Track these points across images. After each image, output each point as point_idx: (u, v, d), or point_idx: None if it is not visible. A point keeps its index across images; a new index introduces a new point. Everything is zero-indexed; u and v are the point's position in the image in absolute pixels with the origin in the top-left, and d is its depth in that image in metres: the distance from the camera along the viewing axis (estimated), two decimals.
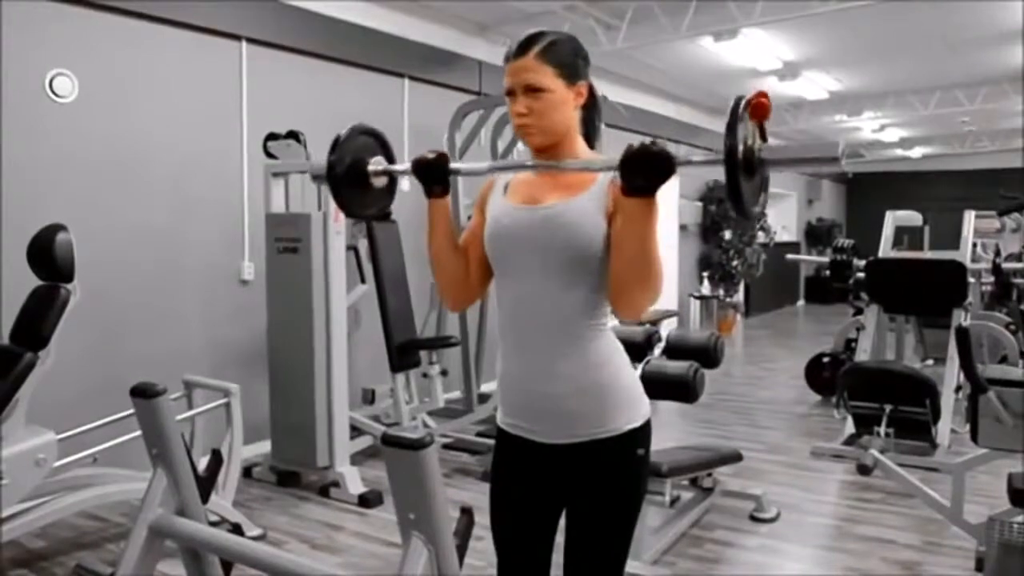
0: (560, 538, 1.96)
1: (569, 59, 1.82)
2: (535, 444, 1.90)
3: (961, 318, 5.59)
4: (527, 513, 1.98)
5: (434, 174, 1.90)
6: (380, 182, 2.11)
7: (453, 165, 1.92)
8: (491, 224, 1.91)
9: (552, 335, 1.82)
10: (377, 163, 2.10)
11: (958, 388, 5.46)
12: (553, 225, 1.78)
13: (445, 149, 6.46)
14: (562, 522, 1.97)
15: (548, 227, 1.79)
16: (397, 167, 2.10)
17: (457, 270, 1.98)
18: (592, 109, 1.92)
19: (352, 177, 2.06)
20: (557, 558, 2.00)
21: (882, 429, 4.99)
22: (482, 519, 1.99)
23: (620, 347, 1.90)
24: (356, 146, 2.10)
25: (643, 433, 1.88)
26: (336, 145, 2.06)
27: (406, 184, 6.58)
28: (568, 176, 1.85)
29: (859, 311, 7.04)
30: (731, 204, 1.60)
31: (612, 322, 1.91)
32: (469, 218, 6.18)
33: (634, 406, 1.87)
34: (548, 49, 1.80)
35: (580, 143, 1.89)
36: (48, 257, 3.33)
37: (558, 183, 1.85)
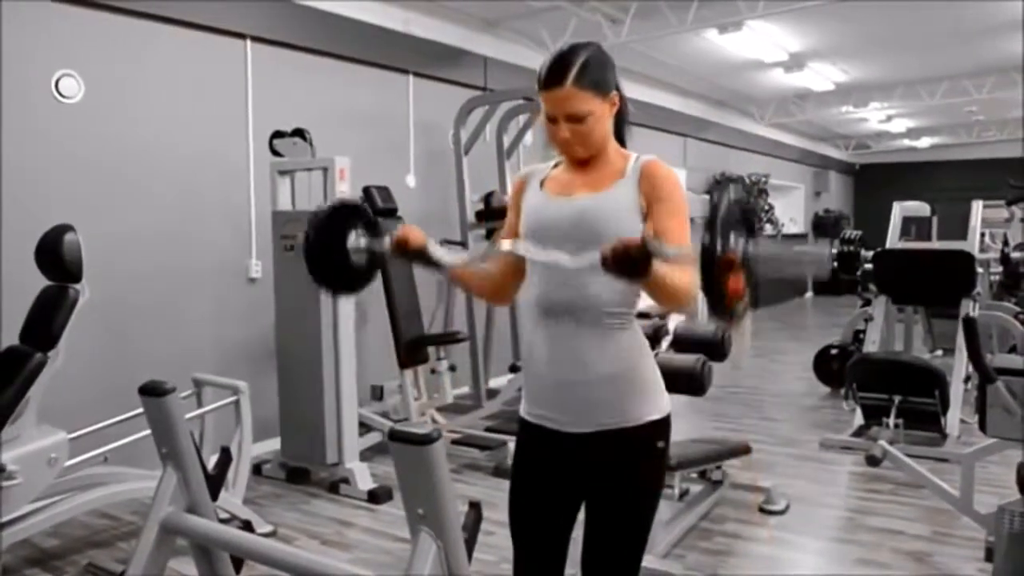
0: (577, 532, 1.98)
1: (602, 76, 1.85)
2: (558, 433, 1.92)
3: (970, 308, 5.58)
4: (547, 504, 2.01)
5: (415, 258, 1.98)
6: (361, 258, 2.12)
7: (431, 250, 1.96)
8: (527, 215, 1.96)
9: (580, 323, 1.85)
10: (358, 240, 2.10)
11: (967, 378, 5.45)
12: (585, 217, 1.84)
13: (451, 146, 6.49)
14: (579, 516, 1.99)
15: (580, 219, 1.84)
16: (375, 246, 2.10)
17: (492, 286, 2.10)
18: (622, 112, 1.96)
19: (330, 255, 2.07)
20: (573, 554, 2.01)
21: (891, 420, 4.98)
22: (491, 514, 2.00)
23: (645, 340, 1.94)
24: (336, 222, 2.10)
25: (664, 426, 1.91)
26: (314, 223, 2.08)
27: (412, 180, 6.61)
28: (600, 171, 1.90)
29: (867, 302, 7.02)
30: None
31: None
32: (476, 214, 6.17)
33: (656, 399, 1.91)
34: (582, 72, 1.81)
35: (613, 145, 1.94)
36: (56, 257, 3.35)
37: (591, 178, 1.91)
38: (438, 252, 1.96)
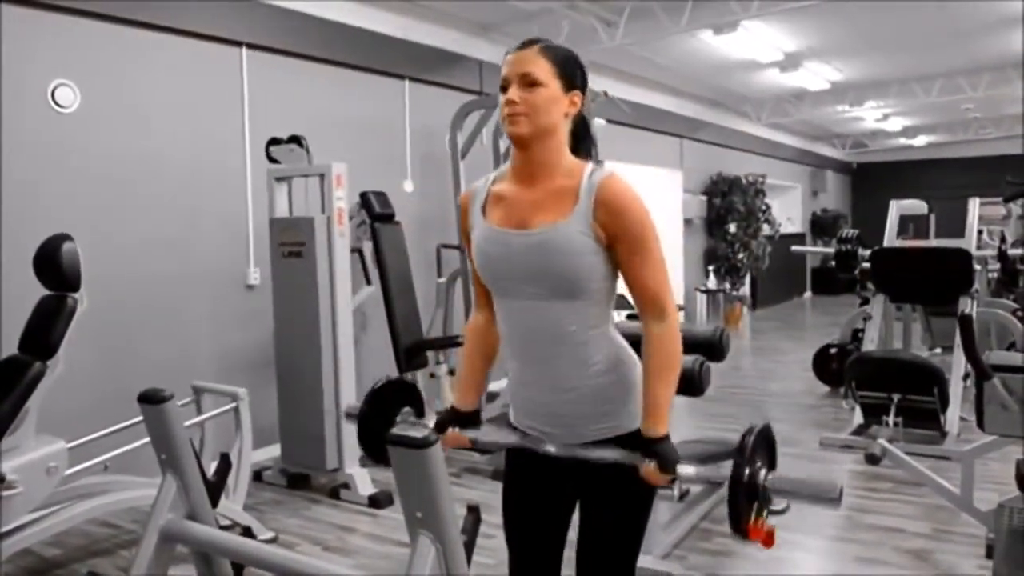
0: (572, 535, 1.98)
1: (569, 65, 1.82)
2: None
3: (968, 306, 5.57)
4: (540, 509, 2.01)
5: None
6: None
7: (471, 436, 2.03)
8: (478, 252, 1.89)
9: (554, 347, 1.83)
10: (406, 416, 2.13)
11: (966, 376, 5.44)
12: (543, 252, 1.77)
13: (447, 150, 6.45)
14: (574, 520, 1.99)
15: (538, 254, 1.77)
16: (425, 427, 2.09)
17: (497, 343, 2.08)
18: (584, 125, 1.90)
19: (380, 427, 2.06)
20: (569, 554, 2.01)
21: (890, 418, 4.96)
22: (490, 517, 2.00)
23: (625, 347, 1.90)
24: (386, 396, 2.13)
25: None
26: (369, 395, 2.11)
27: (409, 185, 6.61)
28: (548, 190, 1.81)
29: (866, 301, 7.03)
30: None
31: (618, 317, 1.92)
32: None
33: (641, 405, 1.87)
34: (550, 48, 1.81)
35: (566, 154, 1.84)
36: (54, 266, 3.35)
37: (539, 200, 1.81)
38: (485, 438, 2.05)
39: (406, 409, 2.12)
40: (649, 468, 1.74)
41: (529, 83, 1.77)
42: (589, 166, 1.81)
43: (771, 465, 1.73)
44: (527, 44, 1.81)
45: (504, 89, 1.80)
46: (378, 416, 2.08)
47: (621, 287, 1.87)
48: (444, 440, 1.99)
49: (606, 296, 1.83)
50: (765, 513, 1.68)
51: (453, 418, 2.05)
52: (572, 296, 1.78)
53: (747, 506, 1.65)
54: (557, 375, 1.84)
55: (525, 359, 1.89)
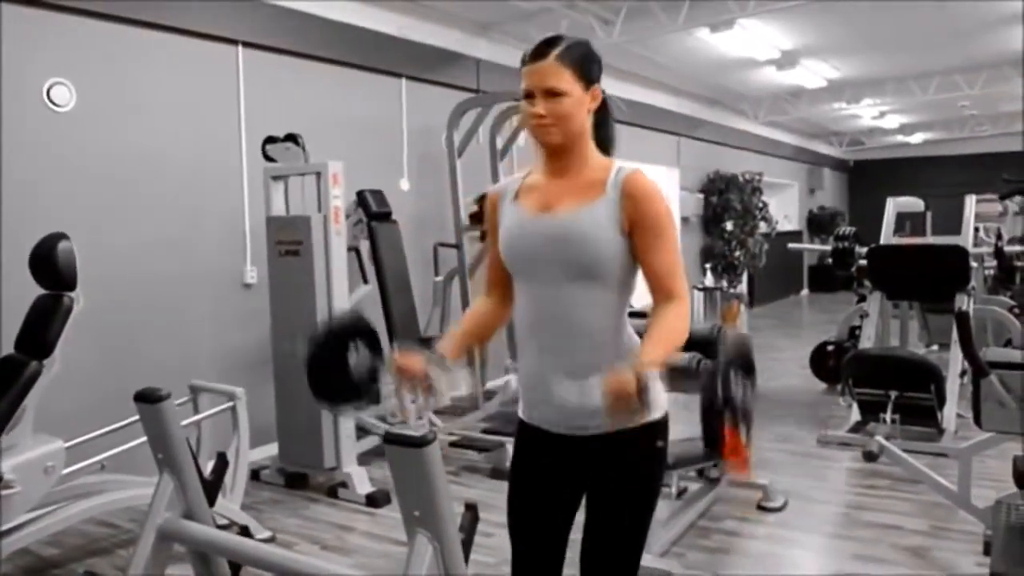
0: (576, 535, 1.98)
1: (587, 64, 1.86)
2: (555, 435, 1.93)
3: (964, 303, 5.59)
4: (546, 503, 2.01)
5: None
6: (362, 372, 2.08)
7: (434, 377, 1.98)
8: (505, 234, 1.94)
9: (571, 336, 1.86)
10: (359, 357, 2.07)
11: (963, 373, 5.46)
12: (567, 236, 1.82)
13: (444, 148, 6.43)
14: (579, 518, 1.99)
15: (562, 238, 1.83)
16: (379, 370, 2.09)
17: (494, 326, 2.15)
18: (605, 114, 1.94)
19: (332, 369, 2.03)
20: (571, 555, 2.02)
21: (888, 415, 4.98)
22: (490, 516, 2.00)
23: (637, 343, 1.91)
24: (338, 337, 2.06)
25: (661, 426, 1.91)
26: (317, 337, 2.04)
27: (405, 184, 6.61)
28: (578, 177, 1.88)
29: (862, 298, 7.04)
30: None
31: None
32: (470, 216, 6.13)
33: (653, 399, 1.88)
34: (567, 52, 1.83)
35: (591, 147, 1.91)
36: (50, 266, 3.34)
37: (569, 185, 1.88)
38: (440, 379, 2.00)
39: (359, 345, 2.04)
40: (616, 374, 1.64)
41: (553, 94, 1.81)
42: (617, 164, 1.89)
43: (749, 377, 1.71)
44: (543, 52, 1.82)
45: (528, 98, 1.84)
46: (328, 358, 2.01)
47: None
48: (398, 356, 2.00)
49: (624, 287, 1.87)
50: (744, 432, 1.65)
51: (422, 346, 2.05)
52: (591, 278, 1.82)
53: (721, 418, 1.62)
54: (571, 365, 1.86)
55: (539, 347, 1.91)
